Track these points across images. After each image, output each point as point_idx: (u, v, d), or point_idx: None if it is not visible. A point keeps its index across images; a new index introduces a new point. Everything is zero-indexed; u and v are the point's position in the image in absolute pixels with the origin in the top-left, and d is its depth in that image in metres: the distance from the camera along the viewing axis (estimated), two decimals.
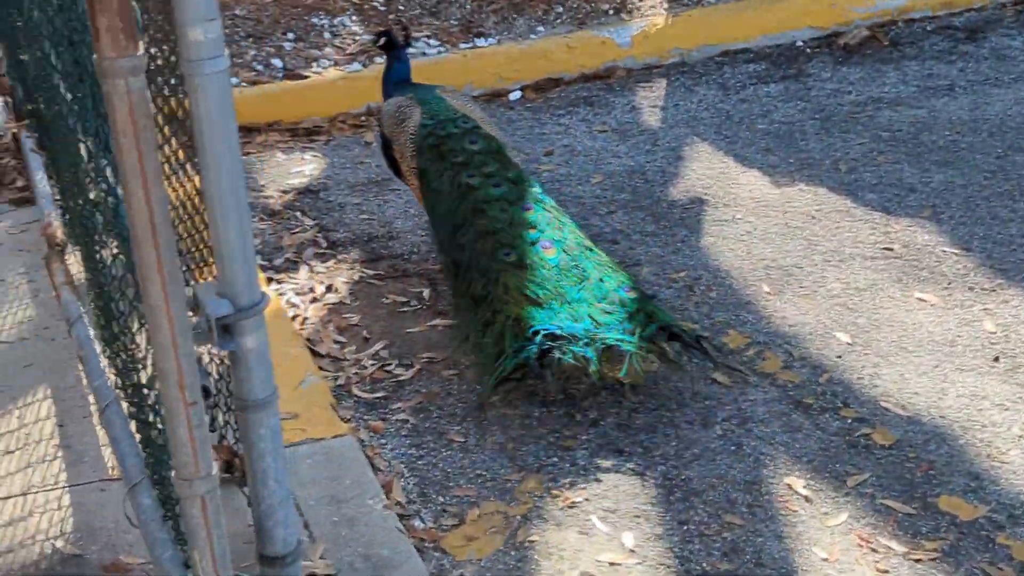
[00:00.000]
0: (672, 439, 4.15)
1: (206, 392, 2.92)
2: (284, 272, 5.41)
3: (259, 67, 7.25)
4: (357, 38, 7.44)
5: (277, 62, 7.27)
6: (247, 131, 6.84)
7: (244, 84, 7.00)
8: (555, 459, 4.10)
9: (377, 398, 4.48)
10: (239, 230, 3.02)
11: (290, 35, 7.52)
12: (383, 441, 4.22)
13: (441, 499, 3.94)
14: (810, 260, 5.22)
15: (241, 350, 3.05)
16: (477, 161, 4.89)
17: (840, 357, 4.53)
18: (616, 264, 4.66)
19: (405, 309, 5.04)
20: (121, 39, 2.14)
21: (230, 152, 3.02)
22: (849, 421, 4.19)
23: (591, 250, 4.64)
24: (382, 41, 5.41)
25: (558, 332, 4.23)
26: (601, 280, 4.50)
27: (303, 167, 6.45)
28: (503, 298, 4.45)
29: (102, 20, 2.12)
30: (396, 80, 5.41)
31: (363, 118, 7.05)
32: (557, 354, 4.17)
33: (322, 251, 5.58)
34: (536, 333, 4.22)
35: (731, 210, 5.71)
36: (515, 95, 7.20)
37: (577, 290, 4.46)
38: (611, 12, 7.65)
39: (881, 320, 4.72)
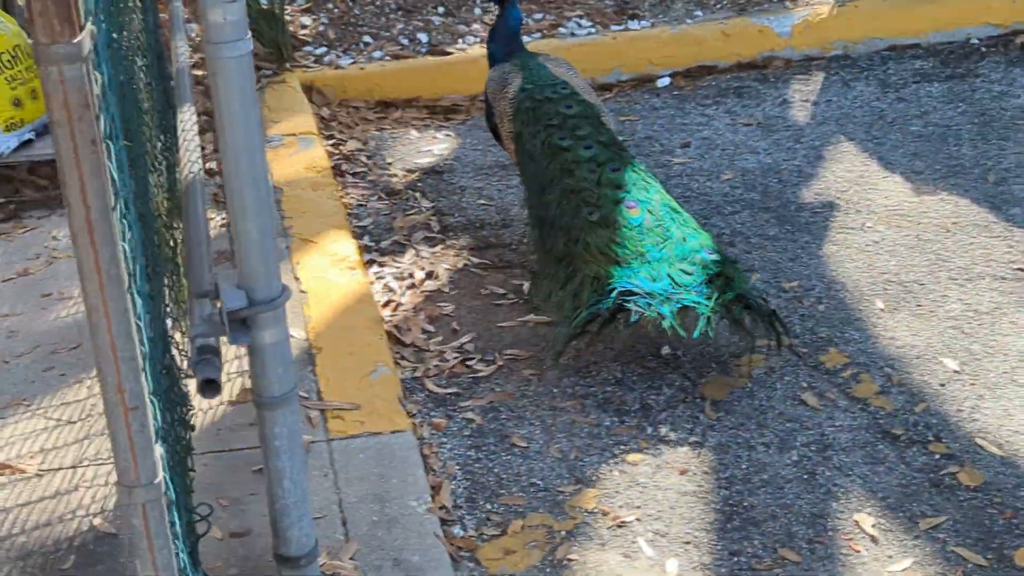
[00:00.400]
0: (743, 461, 3.93)
1: (212, 385, 2.83)
2: (389, 255, 5.32)
3: (405, 41, 7.17)
4: None
5: (423, 36, 7.18)
6: (385, 106, 6.78)
7: (387, 58, 6.92)
8: (616, 473, 3.91)
9: (449, 394, 4.36)
10: (258, 220, 2.92)
11: (440, 9, 7.40)
12: (443, 440, 4.10)
13: (488, 506, 3.81)
14: (934, 277, 4.88)
15: (257, 344, 2.95)
16: (570, 124, 4.83)
17: (943, 385, 4.22)
18: (700, 227, 4.55)
19: (501, 302, 4.89)
20: (55, 23, 2.03)
21: (250, 140, 2.92)
22: (937, 457, 3.90)
23: (676, 211, 4.55)
24: None
25: (635, 289, 4.19)
26: (684, 240, 4.41)
27: (433, 146, 6.34)
28: (584, 256, 4.40)
29: (36, 3, 2.02)
30: (507, 34, 5.28)
31: None
32: (633, 307, 4.15)
33: (432, 235, 5.47)
34: (613, 290, 4.19)
35: (862, 217, 5.39)
36: (663, 81, 6.97)
37: (659, 249, 4.36)
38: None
39: (996, 348, 4.38)
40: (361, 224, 5.60)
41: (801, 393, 4.25)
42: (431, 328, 4.79)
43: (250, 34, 2.83)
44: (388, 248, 5.40)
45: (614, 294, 4.21)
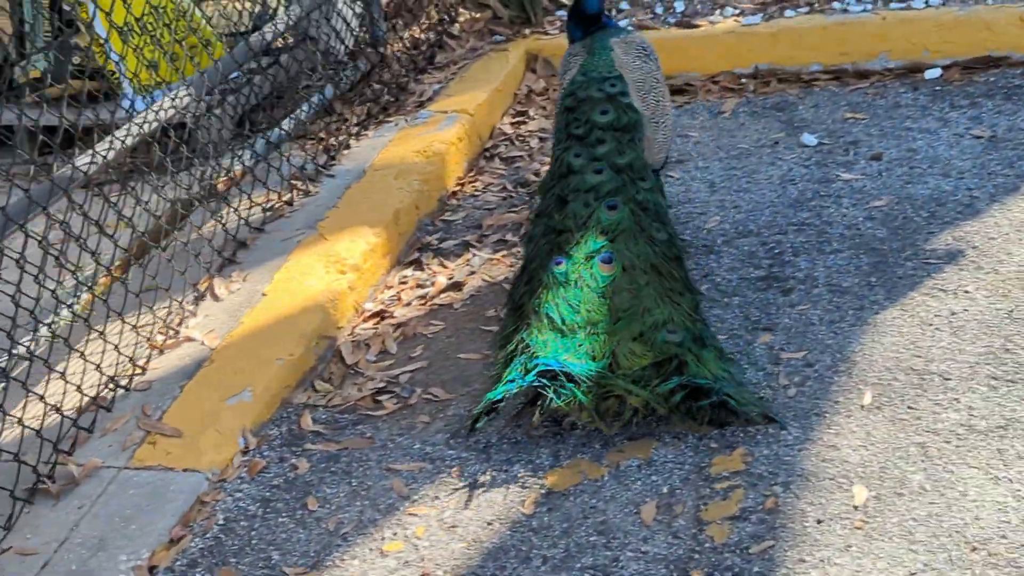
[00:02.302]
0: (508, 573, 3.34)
1: None
2: (440, 256, 5.00)
3: (659, 10, 6.58)
4: None
5: (680, 5, 6.55)
6: None
7: (631, 28, 6.37)
8: (368, 555, 3.47)
9: (314, 431, 4.06)
10: None
11: None
12: (241, 487, 3.83)
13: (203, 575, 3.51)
14: (968, 371, 3.85)
15: None
16: (595, 137, 4.30)
17: (819, 523, 3.36)
18: (685, 289, 3.99)
19: (494, 327, 4.43)
20: None
21: None
22: None
23: (659, 270, 3.98)
24: None
25: (561, 370, 3.67)
26: (647, 311, 3.85)
27: None
28: (533, 313, 3.93)
29: None
30: (585, 13, 4.69)
31: (742, 80, 6.16)
32: (549, 394, 3.64)
33: (507, 240, 5.05)
34: (536, 367, 3.69)
35: (969, 279, 4.32)
36: (932, 73, 5.91)
37: (614, 320, 3.82)
38: None
39: (945, 485, 3.38)
40: (449, 218, 5.28)
41: (648, 500, 3.51)
42: (393, 349, 4.45)
43: None
44: (446, 249, 5.06)
45: (533, 373, 3.67)
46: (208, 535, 3.62)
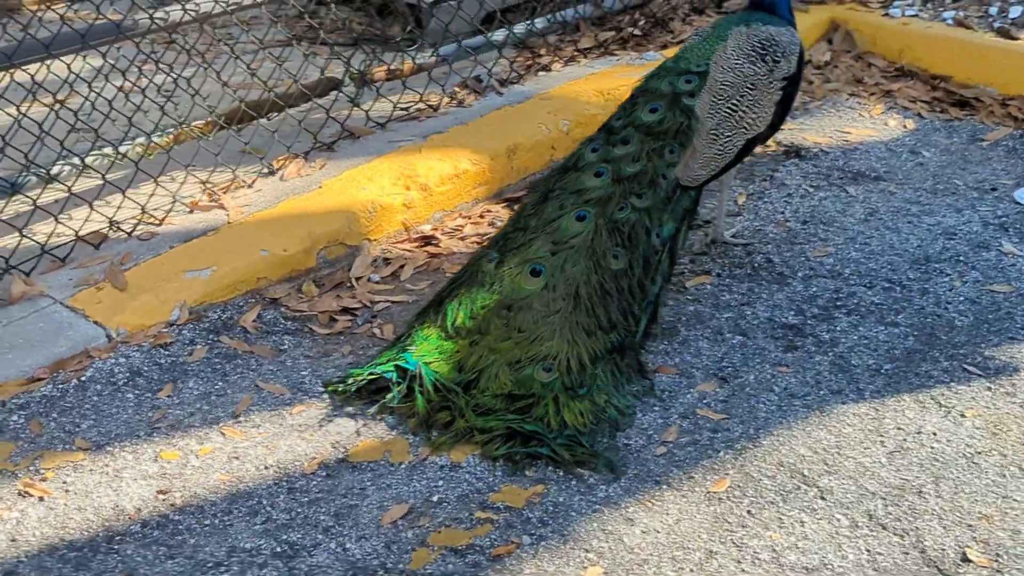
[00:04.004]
0: None
1: None
2: None
3: (993, 10, 5.78)
4: None
5: (1016, 11, 5.70)
6: (900, 75, 5.68)
7: (950, 22, 5.68)
8: None
9: (243, 327, 4.11)
10: None
11: None
12: (135, 354, 3.96)
13: None
14: (852, 498, 3.28)
15: None
16: (623, 135, 4.01)
17: None
18: (610, 327, 3.67)
19: None
20: None
21: None
22: None
23: (583, 301, 3.68)
24: None
25: (413, 371, 3.61)
26: (538, 340, 3.62)
27: (859, 136, 5.26)
28: (435, 306, 3.85)
29: None
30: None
31: None
32: (393, 393, 3.61)
33: None
34: (399, 361, 3.65)
35: (982, 402, 3.62)
36: None
37: (503, 337, 3.65)
38: None
39: None
40: None
41: (406, 503, 3.34)
42: (404, 276, 4.39)
43: None
44: None
45: (391, 365, 3.63)
46: (63, 385, 3.75)
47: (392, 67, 5.14)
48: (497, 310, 3.64)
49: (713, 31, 4.12)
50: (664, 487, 3.28)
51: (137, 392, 3.72)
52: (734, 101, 3.93)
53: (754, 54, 3.97)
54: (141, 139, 4.57)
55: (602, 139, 3.99)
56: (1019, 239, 4.35)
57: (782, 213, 4.61)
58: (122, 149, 4.55)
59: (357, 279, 4.27)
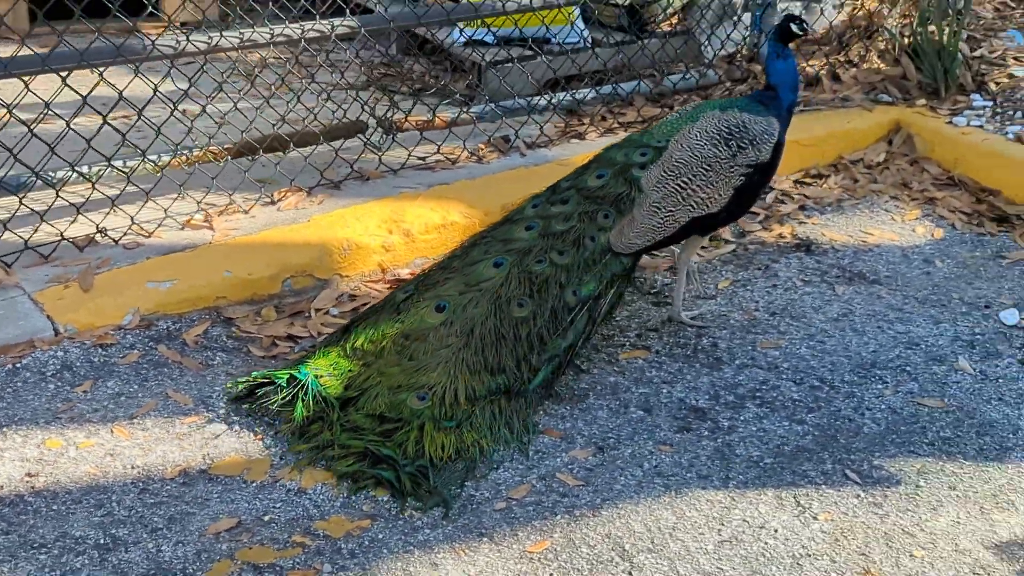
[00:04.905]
0: None
1: None
2: None
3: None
4: None
5: None
6: (947, 185, 5.57)
7: (1009, 136, 5.54)
8: None
9: (183, 340, 4.33)
10: None
11: None
12: (75, 350, 4.21)
13: None
14: None
15: None
16: (563, 195, 4.15)
17: None
18: (499, 371, 3.77)
19: None
20: None
21: None
22: None
23: (476, 343, 3.79)
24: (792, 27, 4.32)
25: (304, 382, 3.77)
26: (424, 370, 3.75)
27: (879, 238, 5.20)
28: (346, 330, 4.04)
29: None
30: (768, 84, 4.29)
31: None
32: (273, 397, 3.77)
33: None
34: (295, 372, 3.81)
35: (840, 507, 3.57)
36: None
37: (394, 363, 3.79)
38: None
39: None
40: None
41: (236, 518, 3.47)
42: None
43: None
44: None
45: (285, 374, 3.78)
46: None
47: (425, 119, 5.27)
48: (396, 338, 3.76)
49: (692, 111, 4.15)
50: (484, 540, 3.29)
51: (59, 384, 3.93)
52: (685, 179, 3.94)
53: (718, 137, 3.98)
54: (167, 155, 4.81)
55: (545, 196, 4.10)
56: (980, 358, 4.19)
57: (756, 303, 4.55)
58: (131, 162, 4.78)
59: (317, 310, 4.39)
